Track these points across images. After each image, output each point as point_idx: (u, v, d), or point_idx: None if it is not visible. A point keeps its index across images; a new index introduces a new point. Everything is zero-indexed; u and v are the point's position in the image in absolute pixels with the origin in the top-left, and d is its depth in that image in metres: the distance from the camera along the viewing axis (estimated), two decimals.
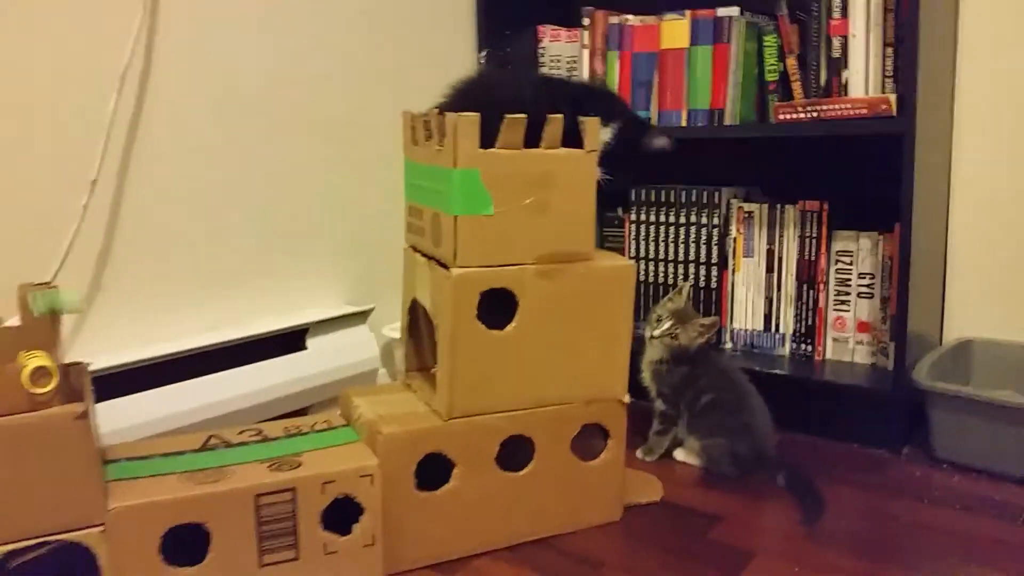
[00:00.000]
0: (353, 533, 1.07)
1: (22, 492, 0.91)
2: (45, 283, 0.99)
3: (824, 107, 1.52)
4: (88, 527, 0.94)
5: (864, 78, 1.53)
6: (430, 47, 1.86)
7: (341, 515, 1.07)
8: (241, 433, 1.17)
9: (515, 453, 1.18)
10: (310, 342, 1.57)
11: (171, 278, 1.44)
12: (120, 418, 1.25)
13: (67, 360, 1.07)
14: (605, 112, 1.18)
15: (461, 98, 1.19)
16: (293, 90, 1.60)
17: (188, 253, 1.46)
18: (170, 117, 1.40)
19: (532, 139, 1.10)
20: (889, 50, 1.51)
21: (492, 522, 1.17)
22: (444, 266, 1.12)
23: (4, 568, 0.92)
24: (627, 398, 1.24)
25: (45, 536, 0.93)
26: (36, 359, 0.90)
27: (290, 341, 1.55)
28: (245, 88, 1.52)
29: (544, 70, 1.86)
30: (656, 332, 1.47)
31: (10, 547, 0.91)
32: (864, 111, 1.48)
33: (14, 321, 0.94)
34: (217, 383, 1.41)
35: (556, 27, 1.88)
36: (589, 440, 1.24)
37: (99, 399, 1.14)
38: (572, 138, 1.12)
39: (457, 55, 1.92)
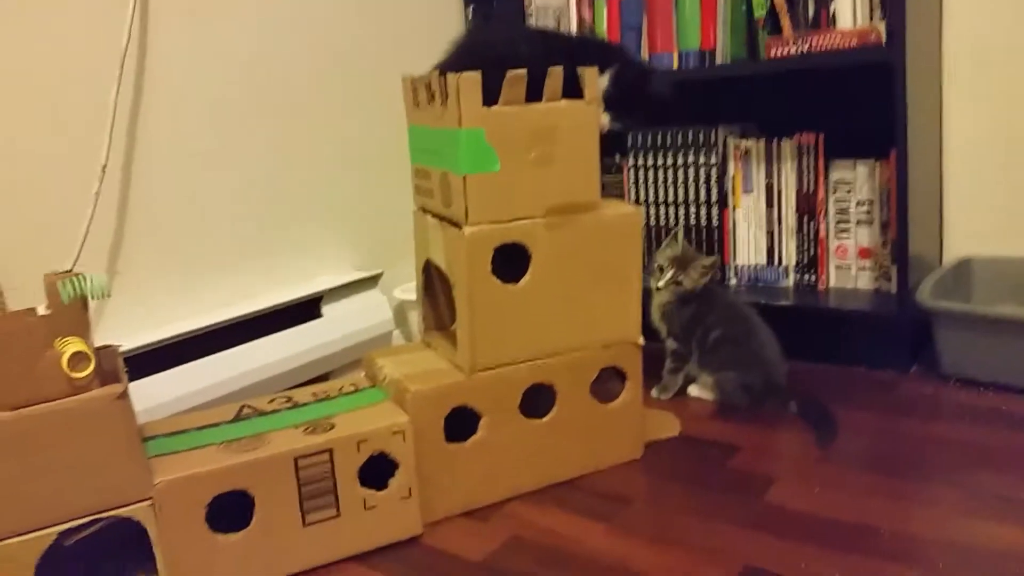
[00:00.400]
0: (390, 488, 1.11)
1: (71, 473, 0.94)
2: (69, 271, 1.01)
3: (815, 40, 1.53)
4: (136, 502, 0.98)
5: (852, 9, 1.54)
6: (417, 6, 1.85)
7: (376, 472, 1.11)
8: (272, 401, 1.20)
9: (537, 400, 1.22)
10: (325, 309, 1.60)
11: (184, 257, 1.46)
12: (144, 398, 1.28)
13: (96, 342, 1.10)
14: (600, 59, 1.19)
15: (458, 58, 1.20)
16: (291, 63, 1.60)
17: (198, 232, 1.48)
18: (171, 99, 1.41)
19: (532, 94, 1.12)
20: None
21: (519, 468, 1.21)
22: (456, 225, 1.14)
23: (61, 546, 0.96)
24: (642, 340, 1.27)
25: (96, 513, 0.96)
26: (72, 345, 0.93)
27: (306, 310, 1.58)
28: (243, 65, 1.52)
29: (532, 22, 1.86)
30: (660, 283, 1.50)
31: (65, 526, 0.95)
32: (854, 42, 1.49)
33: (43, 310, 0.96)
34: (238, 356, 1.44)
35: None
36: (607, 383, 1.27)
37: None
38: (571, 90, 1.14)
39: (443, 12, 1.92)
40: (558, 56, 1.14)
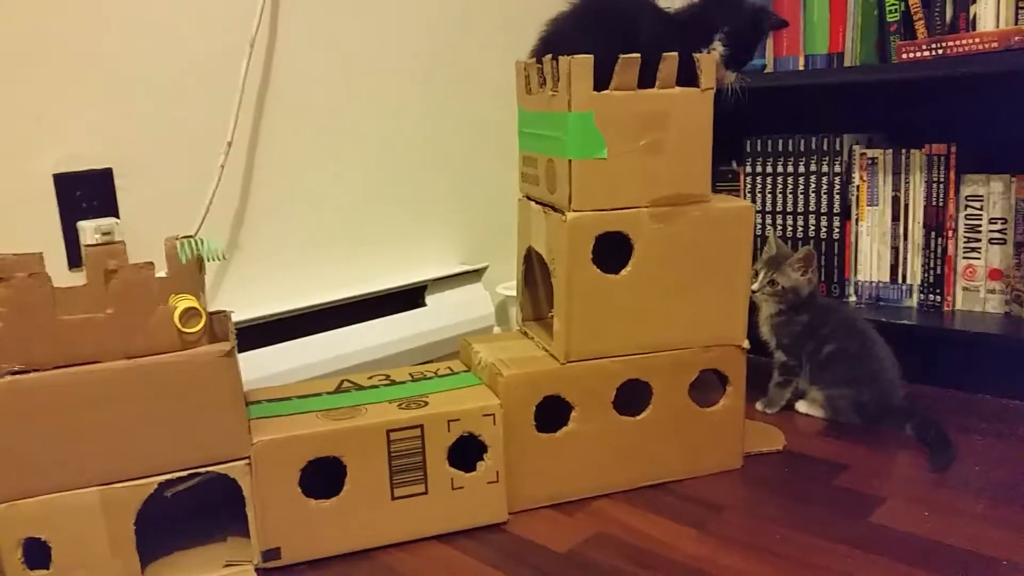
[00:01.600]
0: (478, 470, 1.10)
1: (174, 426, 0.98)
2: (189, 236, 1.06)
3: (950, 43, 1.45)
4: (234, 460, 1.01)
5: (995, 12, 1.45)
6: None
7: (466, 458, 1.11)
8: (371, 378, 1.22)
9: (632, 398, 1.19)
10: (429, 299, 1.62)
11: (299, 238, 1.51)
12: (250, 369, 1.31)
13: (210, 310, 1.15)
14: (706, 29, 1.15)
15: (574, 19, 1.19)
16: (408, 55, 1.63)
17: (313, 214, 1.53)
18: (295, 83, 1.46)
19: (646, 78, 1.10)
20: None
21: (610, 465, 1.19)
22: (559, 211, 1.14)
23: (162, 496, 1.00)
24: (746, 344, 1.23)
25: (196, 468, 1.00)
26: (185, 301, 0.97)
27: (410, 298, 1.60)
28: (362, 58, 1.56)
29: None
30: (755, 287, 1.45)
31: (167, 476, 0.99)
32: (995, 44, 1.40)
33: (162, 273, 1.01)
34: (342, 338, 1.47)
35: None
36: (707, 392, 1.23)
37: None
38: (687, 76, 1.11)
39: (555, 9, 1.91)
40: (672, 39, 1.11)
